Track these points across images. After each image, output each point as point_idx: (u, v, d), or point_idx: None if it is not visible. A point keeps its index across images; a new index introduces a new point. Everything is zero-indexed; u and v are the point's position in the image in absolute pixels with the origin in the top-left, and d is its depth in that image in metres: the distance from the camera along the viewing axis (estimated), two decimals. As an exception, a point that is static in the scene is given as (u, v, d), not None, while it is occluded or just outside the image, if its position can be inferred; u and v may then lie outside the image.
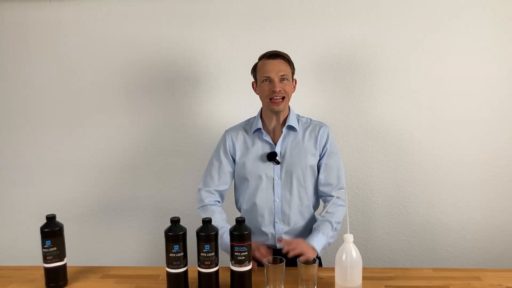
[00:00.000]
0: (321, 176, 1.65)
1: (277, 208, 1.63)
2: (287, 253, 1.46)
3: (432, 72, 2.04)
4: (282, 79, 1.57)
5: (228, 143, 1.69)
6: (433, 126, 2.07)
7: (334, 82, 2.09)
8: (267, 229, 1.65)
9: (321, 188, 1.65)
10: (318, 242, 1.52)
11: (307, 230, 1.67)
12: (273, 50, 1.63)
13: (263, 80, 1.58)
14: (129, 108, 2.18)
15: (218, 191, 1.68)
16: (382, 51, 2.05)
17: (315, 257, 1.38)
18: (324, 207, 1.65)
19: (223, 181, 1.68)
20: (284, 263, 1.29)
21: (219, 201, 1.69)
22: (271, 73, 1.56)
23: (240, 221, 1.31)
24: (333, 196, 1.61)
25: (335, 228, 1.57)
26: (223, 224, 1.59)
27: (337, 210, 1.60)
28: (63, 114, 2.20)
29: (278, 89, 1.55)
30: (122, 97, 2.17)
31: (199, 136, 2.16)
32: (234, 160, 1.69)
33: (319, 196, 1.69)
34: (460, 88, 2.04)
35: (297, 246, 1.47)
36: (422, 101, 2.06)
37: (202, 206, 1.66)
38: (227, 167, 1.68)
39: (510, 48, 2.00)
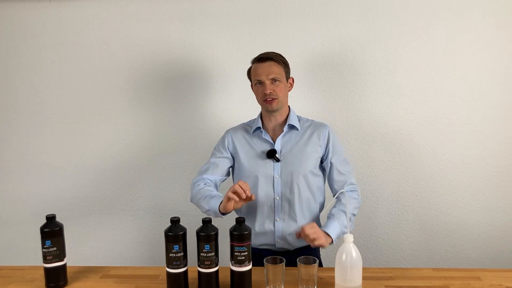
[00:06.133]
0: (330, 175, 1.67)
1: (277, 206, 1.64)
2: (302, 237, 1.45)
3: (432, 72, 2.04)
4: (273, 81, 1.60)
5: (227, 140, 1.72)
6: (433, 126, 2.07)
7: (334, 82, 2.09)
8: (267, 227, 1.65)
9: (334, 186, 1.67)
10: (333, 230, 1.51)
11: None
12: (263, 52, 1.66)
13: (255, 83, 1.64)
14: (129, 108, 2.18)
15: (210, 179, 1.68)
16: (382, 51, 2.05)
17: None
18: (337, 201, 1.64)
19: (217, 173, 1.69)
20: (284, 263, 1.29)
21: (210, 183, 1.68)
22: (262, 76, 1.60)
23: (240, 221, 1.31)
24: (341, 193, 1.60)
25: (350, 218, 1.57)
26: (212, 190, 1.62)
27: (351, 202, 1.61)
28: (63, 114, 2.20)
29: (268, 91, 1.59)
30: (122, 97, 2.17)
31: (199, 136, 2.17)
32: (233, 158, 1.71)
33: (333, 194, 1.69)
34: (460, 88, 2.04)
35: (315, 232, 1.45)
36: (422, 101, 2.06)
37: (192, 189, 1.66)
38: (222, 161, 1.70)
39: (510, 48, 2.00)
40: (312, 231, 1.45)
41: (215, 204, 1.53)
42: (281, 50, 1.70)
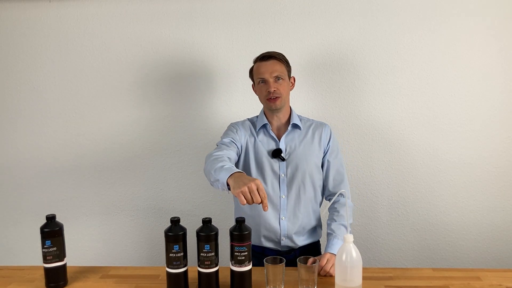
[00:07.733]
0: (325, 174, 1.69)
1: (283, 204, 1.64)
2: (324, 271, 1.43)
3: (432, 72, 2.04)
4: (276, 79, 1.61)
5: (238, 132, 1.66)
6: (433, 126, 2.07)
7: (334, 82, 2.09)
8: (272, 225, 1.64)
9: (327, 186, 1.68)
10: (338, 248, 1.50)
11: (312, 226, 1.69)
12: (266, 51, 1.67)
13: (258, 82, 1.64)
14: (129, 108, 2.18)
15: (229, 156, 1.53)
16: (381, 51, 2.05)
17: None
18: (331, 205, 1.64)
19: (232, 151, 1.58)
20: (284, 263, 1.29)
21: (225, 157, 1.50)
22: (265, 74, 1.61)
23: (240, 221, 1.31)
24: (339, 195, 1.63)
25: (350, 231, 1.57)
26: (226, 160, 1.44)
27: (347, 211, 1.60)
28: (63, 114, 2.20)
29: (272, 89, 1.59)
30: (121, 97, 2.17)
31: (199, 136, 2.16)
32: (239, 150, 1.65)
33: (325, 195, 1.72)
34: (460, 88, 2.04)
35: (330, 261, 1.45)
36: (422, 101, 2.06)
37: (208, 159, 1.47)
38: (234, 145, 1.61)
39: (509, 48, 2.00)
40: (333, 269, 1.41)
41: (224, 176, 1.33)
42: (281, 50, 1.70)
